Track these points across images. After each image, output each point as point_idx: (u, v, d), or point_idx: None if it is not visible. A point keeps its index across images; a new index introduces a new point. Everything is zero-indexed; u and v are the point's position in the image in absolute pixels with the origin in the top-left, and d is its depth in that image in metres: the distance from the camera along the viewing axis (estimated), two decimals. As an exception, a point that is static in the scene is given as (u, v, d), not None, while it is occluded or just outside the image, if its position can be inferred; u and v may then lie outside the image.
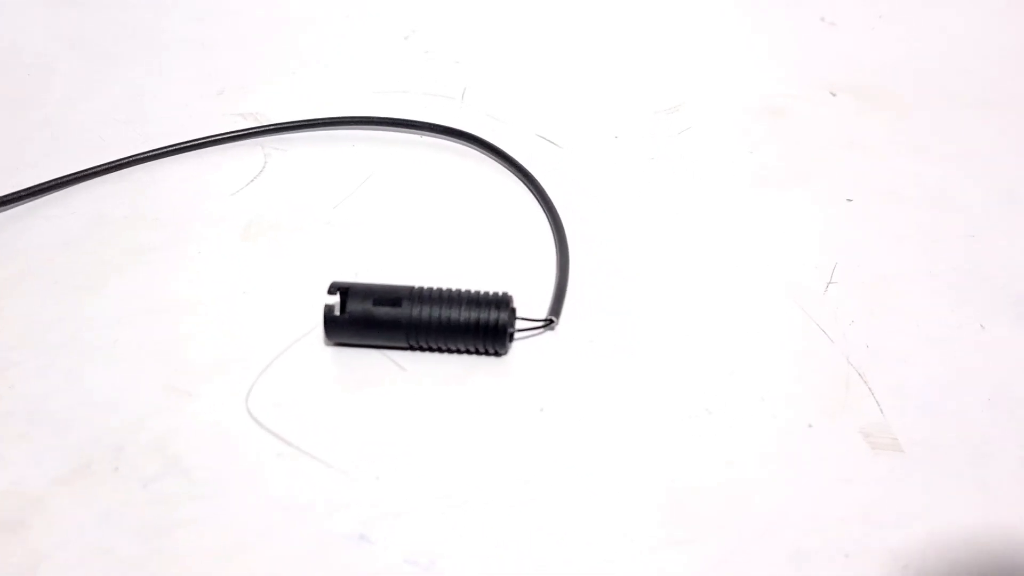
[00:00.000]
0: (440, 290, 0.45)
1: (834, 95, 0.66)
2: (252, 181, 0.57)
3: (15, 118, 0.63)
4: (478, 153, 0.59)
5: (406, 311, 0.44)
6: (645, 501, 0.39)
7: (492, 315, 0.44)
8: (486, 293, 0.45)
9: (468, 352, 0.46)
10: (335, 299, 0.45)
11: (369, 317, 0.44)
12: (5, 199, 0.54)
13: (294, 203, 0.55)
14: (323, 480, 0.40)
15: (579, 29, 0.75)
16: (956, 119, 0.64)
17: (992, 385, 0.44)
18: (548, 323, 0.46)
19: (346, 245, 0.52)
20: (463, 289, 0.45)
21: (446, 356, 0.46)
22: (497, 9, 0.77)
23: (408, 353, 0.46)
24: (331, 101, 0.64)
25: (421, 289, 0.45)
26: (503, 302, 0.45)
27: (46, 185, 0.55)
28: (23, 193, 0.55)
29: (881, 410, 0.43)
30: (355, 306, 0.45)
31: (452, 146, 0.60)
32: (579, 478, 0.40)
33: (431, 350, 0.46)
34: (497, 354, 0.45)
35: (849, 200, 0.56)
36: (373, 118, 0.61)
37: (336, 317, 0.45)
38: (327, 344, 0.46)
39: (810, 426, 0.42)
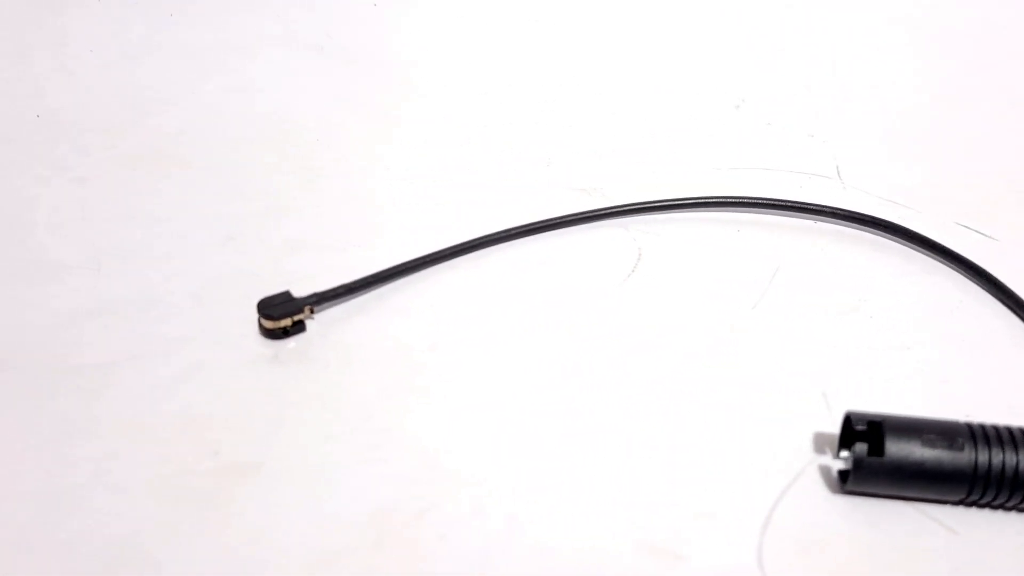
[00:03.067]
0: (995, 427, 0.34)
1: None
2: (634, 271, 0.47)
3: (313, 190, 0.54)
4: (894, 244, 0.49)
5: (968, 456, 0.33)
6: None
7: (1093, 466, 0.33)
8: (1066, 434, 0.34)
9: (1032, 511, 0.34)
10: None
11: (916, 463, 0.33)
12: (354, 285, 0.45)
13: (694, 300, 0.45)
14: None
15: (966, 86, 0.64)
16: None
17: None
18: None
19: (788, 352, 0.42)
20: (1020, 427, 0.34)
21: (1000, 515, 0.34)
22: (852, 73, 0.66)
23: (947, 508, 0.35)
24: (674, 178, 0.54)
25: (972, 425, 0.34)
26: (1098, 447, 0.33)
27: (394, 271, 0.46)
28: (371, 279, 0.45)
29: None
30: (895, 447, 0.34)
31: (856, 234, 0.50)
32: None
33: (982, 506, 0.35)
34: (1079, 516, 0.34)
35: None
36: (763, 200, 0.51)
37: (870, 461, 0.34)
38: (832, 492, 0.35)
39: None
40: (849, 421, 0.35)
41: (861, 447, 0.34)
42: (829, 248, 0.49)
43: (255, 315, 0.44)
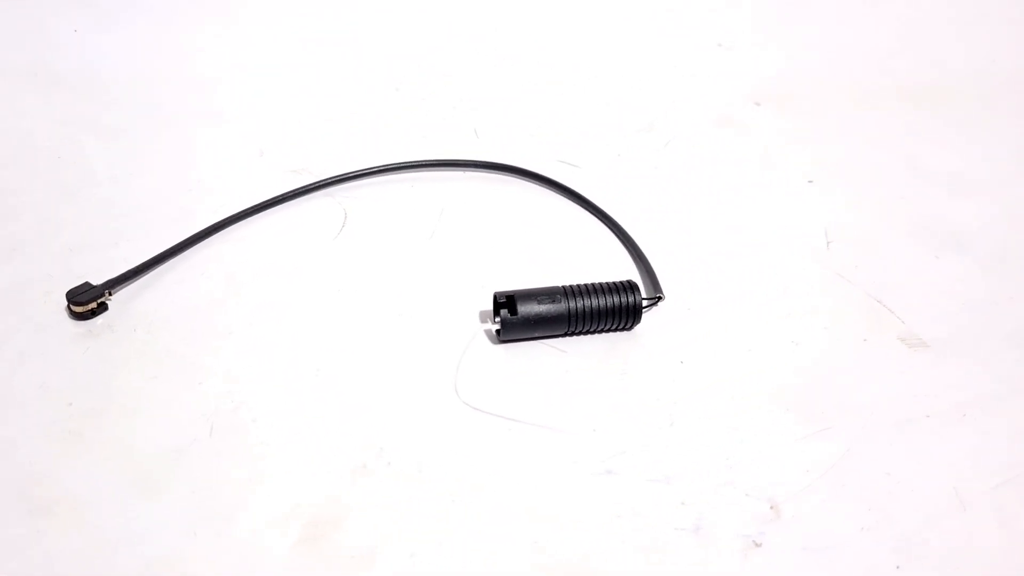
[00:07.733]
0: (578, 285, 0.57)
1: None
2: (343, 226, 0.66)
3: (71, 202, 0.67)
4: (519, 180, 0.71)
5: (564, 305, 0.56)
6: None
7: (631, 298, 0.56)
8: (614, 282, 0.57)
9: (605, 331, 0.58)
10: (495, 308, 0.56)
11: (537, 314, 0.55)
12: (137, 269, 0.59)
13: (391, 239, 0.65)
14: (557, 440, 0.51)
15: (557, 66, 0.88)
16: None
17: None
18: (658, 299, 0.59)
19: (457, 264, 0.63)
20: (593, 282, 0.57)
21: (588, 338, 0.57)
22: (483, 53, 0.88)
23: (559, 340, 0.57)
24: (363, 153, 0.73)
25: (565, 287, 0.57)
26: (633, 287, 0.57)
27: (164, 254, 0.61)
28: (149, 263, 0.60)
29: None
30: (524, 308, 0.55)
31: (497, 177, 0.72)
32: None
33: (577, 334, 0.57)
34: (629, 328, 0.58)
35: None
36: (435, 161, 0.71)
37: (511, 319, 0.55)
38: (494, 343, 0.57)
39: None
40: (495, 298, 0.56)
41: (504, 312, 0.55)
42: (478, 189, 0.70)
43: (63, 307, 0.57)
